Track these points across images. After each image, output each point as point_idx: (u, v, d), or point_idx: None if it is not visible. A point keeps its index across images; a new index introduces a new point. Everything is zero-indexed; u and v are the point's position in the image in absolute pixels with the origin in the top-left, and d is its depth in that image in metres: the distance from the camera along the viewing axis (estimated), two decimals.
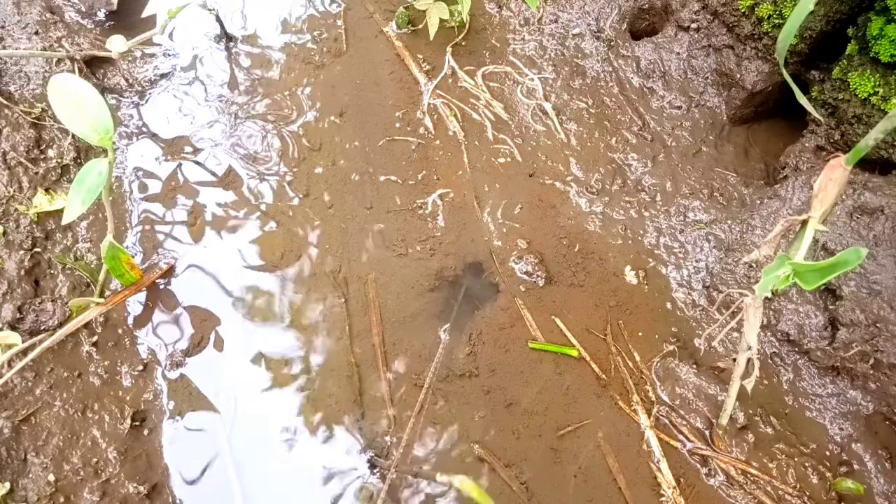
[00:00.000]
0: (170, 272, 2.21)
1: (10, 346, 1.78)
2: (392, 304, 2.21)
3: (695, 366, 2.10)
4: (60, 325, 2.02)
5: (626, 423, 2.04)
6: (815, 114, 1.65)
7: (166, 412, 2.01)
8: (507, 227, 2.36)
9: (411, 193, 2.42)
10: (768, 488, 1.92)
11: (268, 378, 2.09)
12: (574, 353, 2.12)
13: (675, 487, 1.93)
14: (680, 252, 2.32)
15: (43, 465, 1.86)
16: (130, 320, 2.14)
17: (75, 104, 1.67)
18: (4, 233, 2.10)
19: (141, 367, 2.05)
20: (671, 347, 2.15)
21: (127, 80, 2.57)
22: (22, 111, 2.30)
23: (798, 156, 2.35)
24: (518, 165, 2.49)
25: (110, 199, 1.90)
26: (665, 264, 2.31)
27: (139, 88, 2.58)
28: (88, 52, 2.50)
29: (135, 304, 2.16)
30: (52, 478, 1.84)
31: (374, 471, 1.95)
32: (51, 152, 2.30)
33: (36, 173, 2.24)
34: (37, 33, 2.48)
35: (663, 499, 1.93)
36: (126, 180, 2.38)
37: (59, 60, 2.45)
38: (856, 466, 1.95)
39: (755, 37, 2.35)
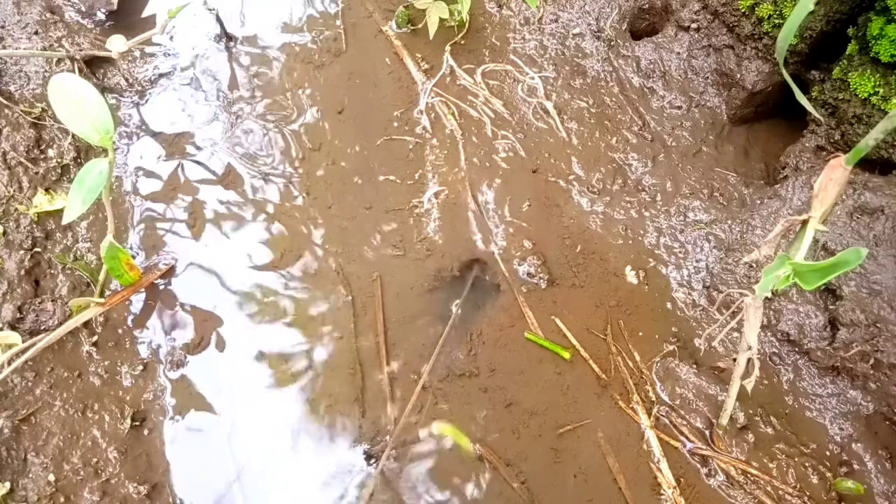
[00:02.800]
0: (170, 272, 2.21)
1: (10, 346, 1.78)
2: (392, 304, 2.21)
3: (695, 366, 2.10)
4: (60, 324, 2.02)
5: (626, 423, 2.04)
6: (815, 114, 1.65)
7: (167, 412, 2.01)
8: (507, 225, 2.36)
9: (410, 192, 2.42)
10: (768, 488, 1.92)
11: (268, 378, 2.09)
12: (567, 354, 2.10)
13: (675, 487, 1.93)
14: (680, 252, 2.32)
15: (43, 465, 1.86)
16: (130, 320, 2.14)
17: (75, 104, 1.67)
18: (4, 233, 2.10)
19: (141, 367, 2.06)
20: (671, 347, 2.15)
21: (127, 79, 2.57)
22: (22, 111, 2.30)
23: (798, 156, 2.35)
24: (520, 160, 2.49)
25: (110, 198, 1.90)
26: (665, 264, 2.31)
27: (139, 88, 2.58)
28: (88, 52, 2.50)
29: (135, 304, 2.16)
30: (52, 478, 1.85)
31: (375, 471, 1.95)
32: (51, 152, 2.30)
33: (36, 173, 2.24)
34: (37, 33, 2.48)
35: (663, 499, 1.93)
36: (126, 180, 2.38)
37: (59, 60, 2.45)
38: (856, 466, 1.95)
39: (755, 37, 2.35)
